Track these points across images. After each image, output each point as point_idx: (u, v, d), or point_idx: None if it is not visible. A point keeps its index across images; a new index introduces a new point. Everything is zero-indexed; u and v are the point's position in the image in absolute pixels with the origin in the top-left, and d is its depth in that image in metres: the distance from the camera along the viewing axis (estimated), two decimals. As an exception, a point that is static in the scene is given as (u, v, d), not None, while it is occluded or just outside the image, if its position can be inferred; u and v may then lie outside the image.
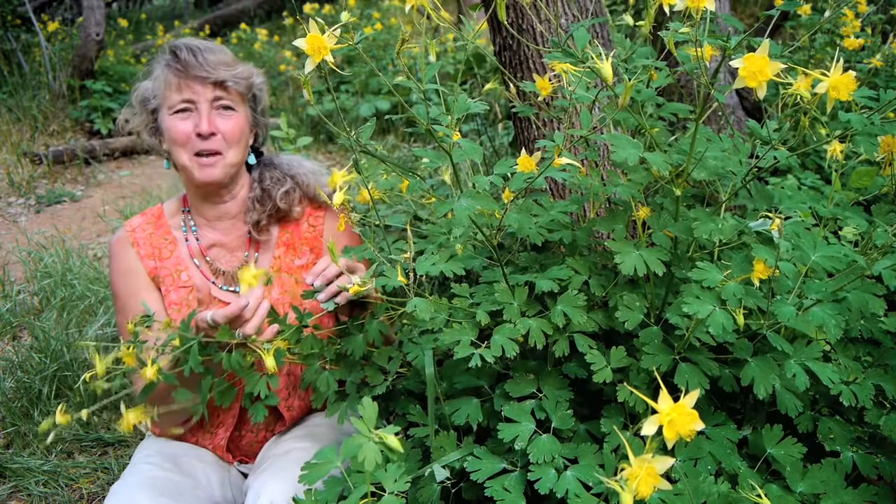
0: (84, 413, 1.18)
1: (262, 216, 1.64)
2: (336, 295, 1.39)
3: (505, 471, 1.19)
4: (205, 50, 1.56)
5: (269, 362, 1.28)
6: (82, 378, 1.19)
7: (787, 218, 1.15)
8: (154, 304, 1.58)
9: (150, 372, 1.20)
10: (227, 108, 1.56)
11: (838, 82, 0.92)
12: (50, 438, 1.18)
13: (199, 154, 1.54)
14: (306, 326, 1.42)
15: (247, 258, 1.66)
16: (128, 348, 1.21)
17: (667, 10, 1.03)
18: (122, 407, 1.21)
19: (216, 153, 1.55)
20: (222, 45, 1.65)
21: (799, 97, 0.99)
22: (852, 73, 0.91)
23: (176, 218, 1.68)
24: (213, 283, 1.64)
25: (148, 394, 1.26)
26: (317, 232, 1.69)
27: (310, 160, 1.78)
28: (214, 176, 1.56)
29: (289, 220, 1.68)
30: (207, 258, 1.65)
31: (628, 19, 1.22)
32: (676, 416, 0.76)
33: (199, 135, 1.53)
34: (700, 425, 0.76)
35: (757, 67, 0.87)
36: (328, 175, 1.74)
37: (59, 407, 1.15)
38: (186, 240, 1.66)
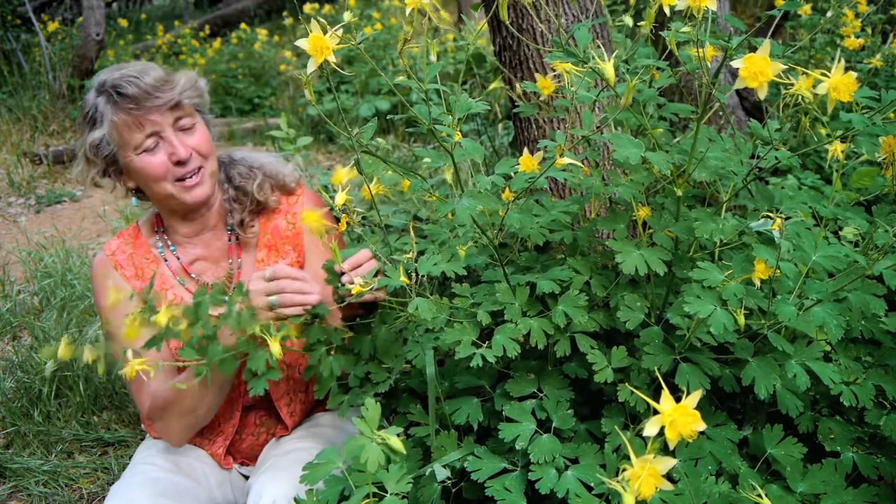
0: (89, 357, 1.12)
1: (245, 214, 1.60)
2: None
3: (506, 470, 1.20)
4: (143, 74, 1.45)
5: (276, 348, 1.26)
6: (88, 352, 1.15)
7: (787, 218, 1.15)
8: None
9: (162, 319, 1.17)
10: (188, 125, 1.49)
11: (839, 83, 0.92)
12: (49, 366, 1.13)
13: (181, 179, 1.49)
14: (316, 317, 1.40)
15: (231, 266, 1.62)
16: (133, 321, 1.17)
17: (667, 10, 1.03)
18: (129, 353, 1.15)
19: (199, 169, 1.50)
20: (148, 61, 1.55)
21: (800, 97, 0.99)
22: (853, 73, 0.91)
23: (152, 238, 1.62)
24: None
25: (153, 346, 1.20)
26: (297, 229, 1.64)
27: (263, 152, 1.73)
28: (205, 193, 1.52)
29: (267, 212, 1.64)
30: (192, 275, 1.60)
31: (628, 20, 1.22)
32: (678, 416, 0.76)
33: (178, 162, 1.47)
34: (702, 426, 0.76)
35: (758, 68, 0.87)
36: (288, 163, 1.68)
37: (63, 339, 1.12)
38: (166, 260, 1.60)
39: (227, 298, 1.27)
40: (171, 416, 1.49)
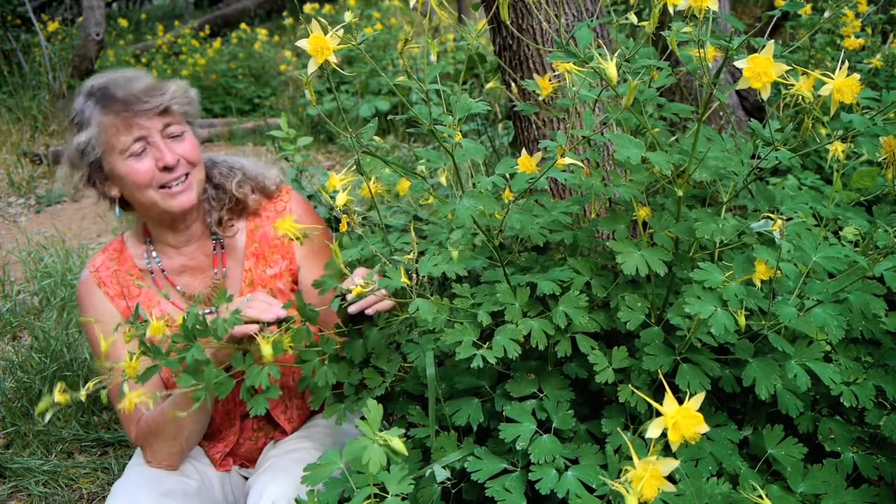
0: (82, 394, 1.13)
1: (223, 212, 1.58)
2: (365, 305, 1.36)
3: (506, 471, 1.19)
4: (133, 80, 1.44)
5: (267, 350, 1.24)
6: (86, 387, 1.17)
7: (788, 219, 1.14)
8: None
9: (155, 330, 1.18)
10: (177, 133, 1.47)
11: (843, 85, 0.92)
12: (48, 417, 1.14)
13: (165, 186, 1.46)
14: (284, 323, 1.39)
15: (216, 275, 1.60)
16: (130, 358, 1.19)
17: (671, 10, 1.03)
18: (126, 387, 1.15)
19: (186, 175, 1.48)
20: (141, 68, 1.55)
21: (800, 97, 0.99)
22: (856, 75, 0.91)
23: (138, 249, 1.60)
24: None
25: (148, 378, 1.21)
26: (286, 237, 1.61)
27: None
28: (190, 200, 1.49)
29: (248, 213, 1.62)
30: (178, 287, 1.58)
31: (633, 18, 1.21)
32: (681, 418, 0.76)
33: (165, 168, 1.44)
34: (705, 428, 0.76)
35: (761, 68, 0.87)
36: (271, 167, 1.66)
37: (58, 386, 1.12)
38: (151, 272, 1.58)
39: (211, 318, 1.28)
40: (157, 442, 1.49)
